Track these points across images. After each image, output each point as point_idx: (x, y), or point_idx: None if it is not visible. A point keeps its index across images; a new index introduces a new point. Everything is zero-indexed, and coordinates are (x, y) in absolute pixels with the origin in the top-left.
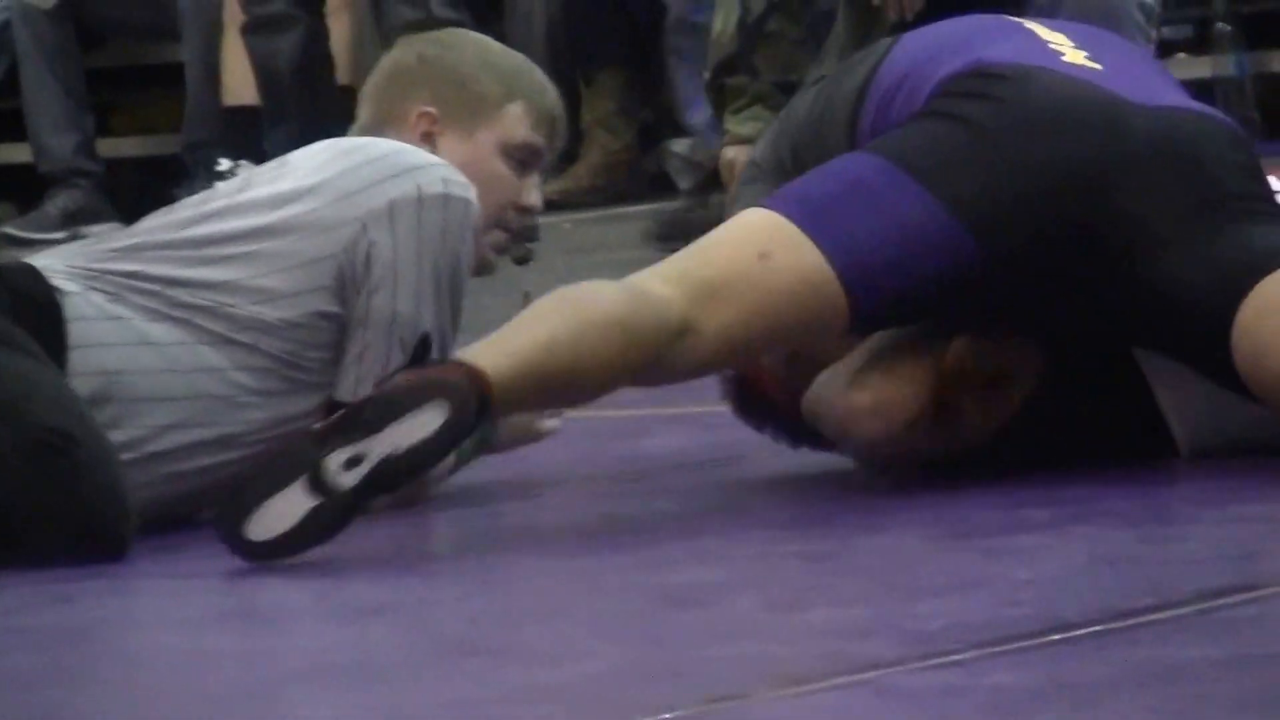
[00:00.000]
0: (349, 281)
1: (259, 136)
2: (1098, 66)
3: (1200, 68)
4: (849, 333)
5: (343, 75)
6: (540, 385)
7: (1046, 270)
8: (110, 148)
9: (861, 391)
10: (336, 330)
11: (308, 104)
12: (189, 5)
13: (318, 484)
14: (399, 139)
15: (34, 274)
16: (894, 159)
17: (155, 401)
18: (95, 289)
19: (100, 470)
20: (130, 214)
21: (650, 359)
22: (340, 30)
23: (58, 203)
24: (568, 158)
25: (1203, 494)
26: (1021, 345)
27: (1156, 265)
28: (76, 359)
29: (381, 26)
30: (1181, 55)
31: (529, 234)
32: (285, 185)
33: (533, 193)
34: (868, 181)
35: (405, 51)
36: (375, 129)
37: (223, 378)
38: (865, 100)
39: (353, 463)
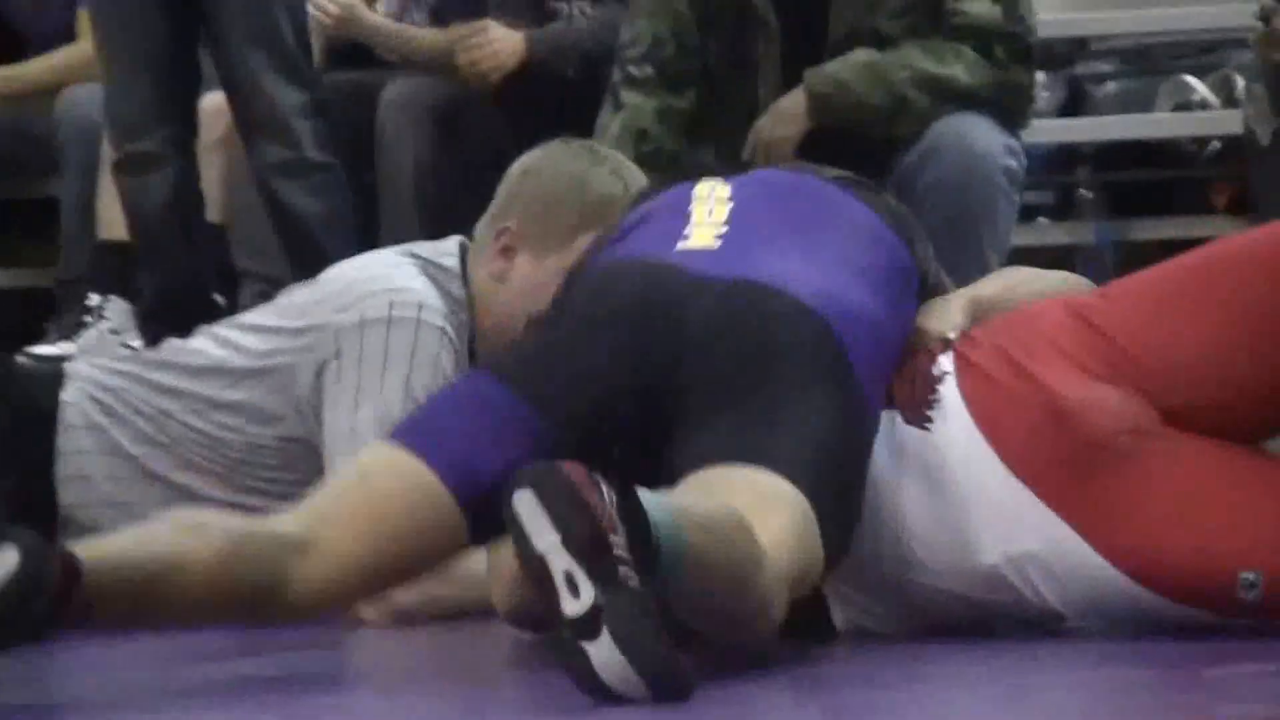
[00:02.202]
0: (310, 408)
1: (132, 273)
2: (714, 246)
3: (1062, 234)
4: (471, 537)
5: (214, 213)
6: (134, 580)
7: (615, 437)
8: None
9: None
10: (304, 452)
11: (179, 242)
12: (70, 141)
13: None
14: (487, 247)
15: (51, 382)
16: (492, 369)
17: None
18: (96, 398)
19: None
20: (1, 347)
21: (265, 576)
22: (213, 169)
23: None
24: None
25: (1034, 659)
26: None
27: (685, 436)
28: (60, 465)
29: (252, 166)
30: (1043, 220)
31: None
32: (270, 321)
33: None
34: (467, 393)
35: (525, 159)
36: (484, 227)
37: (189, 493)
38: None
39: None
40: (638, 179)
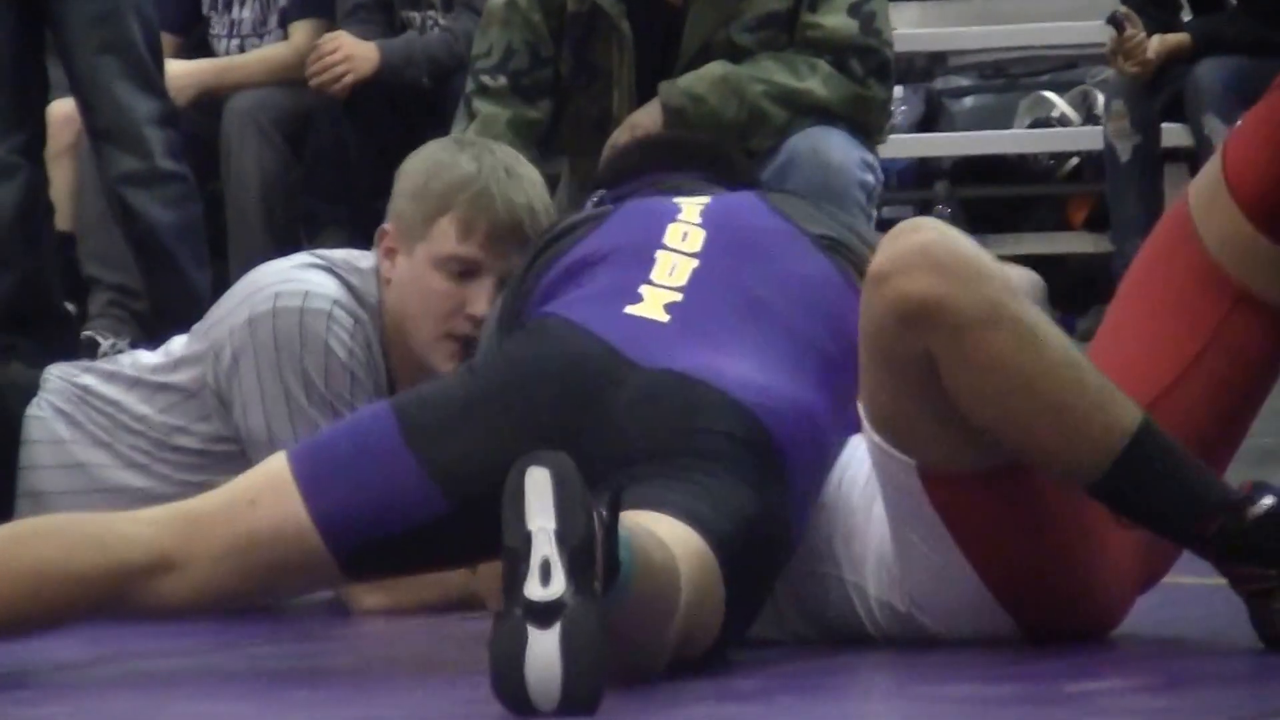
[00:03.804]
0: (228, 405)
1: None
2: (663, 319)
3: None
4: (347, 579)
5: (63, 222)
6: None
7: None
8: None
9: None
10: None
11: (28, 251)
12: None
13: None
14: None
15: (22, 394)
16: (400, 415)
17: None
18: (61, 409)
19: None
20: None
21: (108, 598)
22: (61, 177)
23: None
24: None
25: (909, 673)
26: None
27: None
28: (21, 480)
29: (103, 175)
30: None
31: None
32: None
33: (477, 301)
34: (370, 437)
35: (404, 163)
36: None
37: (139, 495)
38: (548, 271)
39: None
40: (502, 160)
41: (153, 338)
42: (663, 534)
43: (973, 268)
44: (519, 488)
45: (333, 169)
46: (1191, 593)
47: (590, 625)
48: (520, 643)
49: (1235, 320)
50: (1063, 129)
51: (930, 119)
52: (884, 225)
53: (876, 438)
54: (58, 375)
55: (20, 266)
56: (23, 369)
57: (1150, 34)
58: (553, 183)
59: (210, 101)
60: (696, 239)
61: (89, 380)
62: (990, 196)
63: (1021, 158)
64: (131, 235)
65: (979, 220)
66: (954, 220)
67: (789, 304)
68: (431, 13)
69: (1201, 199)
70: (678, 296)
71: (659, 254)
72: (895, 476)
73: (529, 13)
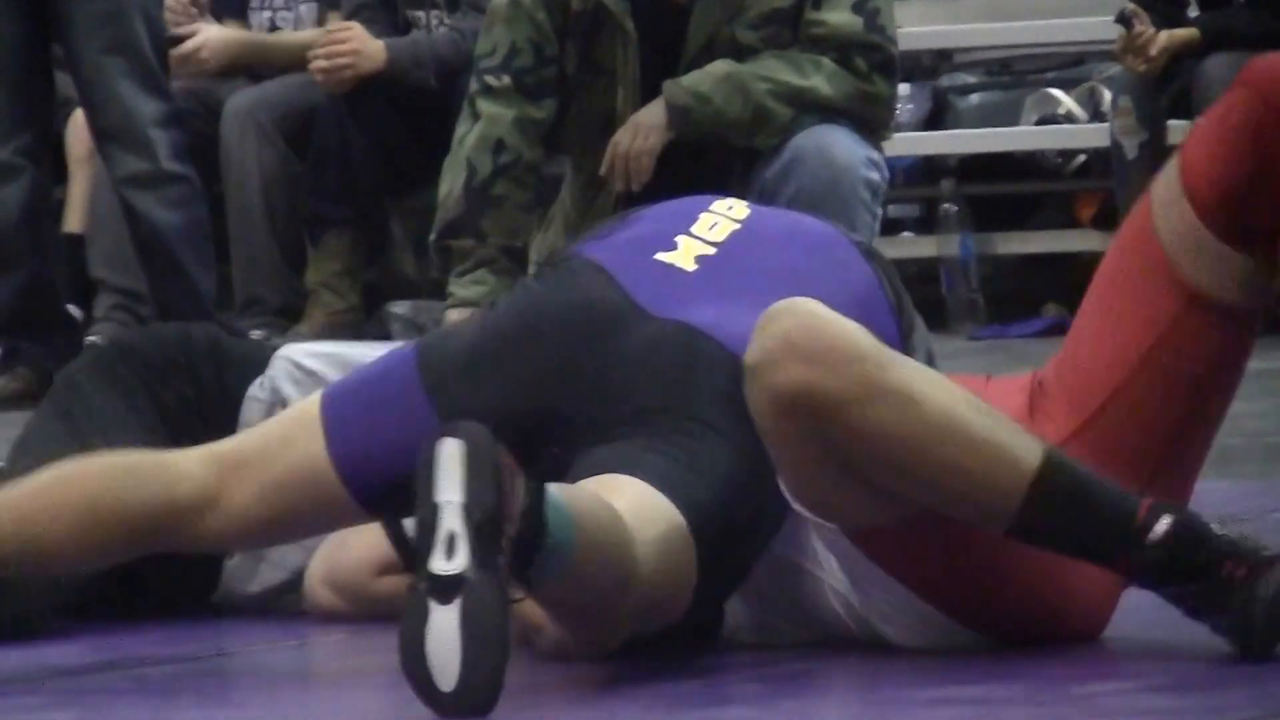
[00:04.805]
0: None
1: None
2: (689, 269)
3: (926, 247)
4: (366, 518)
5: (75, 224)
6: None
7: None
8: None
9: None
10: None
11: (33, 253)
12: None
13: None
14: None
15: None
16: (420, 354)
17: None
18: (283, 391)
19: None
20: None
21: (157, 533)
22: (82, 179)
23: None
24: (291, 317)
25: (915, 674)
26: None
27: (587, 451)
28: None
29: (110, 176)
30: (908, 235)
31: None
32: None
33: None
34: (390, 376)
35: None
36: None
37: None
38: None
39: None
40: None
41: None
42: (626, 500)
43: (840, 349)
44: (430, 459)
45: (336, 169)
46: None
47: (492, 601)
48: (422, 618)
49: (1188, 320)
50: (1069, 126)
51: (936, 116)
52: (892, 224)
53: (798, 508)
54: (286, 356)
55: (25, 269)
56: (256, 344)
57: (1158, 29)
58: (557, 182)
59: (207, 102)
60: (742, 212)
61: (317, 366)
62: (997, 194)
63: (1028, 155)
64: (136, 237)
65: (986, 218)
66: (961, 218)
67: (823, 277)
68: (436, 12)
69: (1160, 198)
70: (711, 250)
71: (702, 214)
72: (828, 536)
73: (533, 11)
